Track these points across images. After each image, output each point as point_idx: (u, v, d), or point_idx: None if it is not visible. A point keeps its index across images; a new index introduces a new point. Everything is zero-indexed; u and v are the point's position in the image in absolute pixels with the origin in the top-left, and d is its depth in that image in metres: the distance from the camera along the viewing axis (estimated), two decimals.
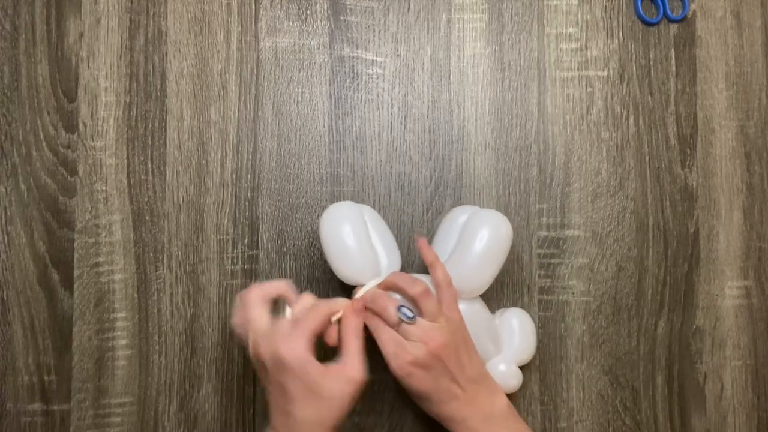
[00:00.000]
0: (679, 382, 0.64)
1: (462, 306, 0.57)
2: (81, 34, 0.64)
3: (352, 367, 0.52)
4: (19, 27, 0.64)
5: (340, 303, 0.55)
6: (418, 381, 0.54)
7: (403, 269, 0.60)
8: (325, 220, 0.57)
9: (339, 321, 0.55)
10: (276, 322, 0.54)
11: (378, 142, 0.65)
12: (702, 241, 0.65)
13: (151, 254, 0.63)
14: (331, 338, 0.55)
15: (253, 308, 0.54)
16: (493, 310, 0.62)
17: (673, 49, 0.66)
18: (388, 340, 0.54)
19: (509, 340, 0.60)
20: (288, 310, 0.55)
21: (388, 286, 0.56)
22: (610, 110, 0.65)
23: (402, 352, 0.53)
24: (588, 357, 0.64)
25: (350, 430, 0.63)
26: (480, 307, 0.59)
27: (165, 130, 0.64)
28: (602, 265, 0.64)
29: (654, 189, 0.65)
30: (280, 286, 0.56)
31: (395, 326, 0.54)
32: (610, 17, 0.66)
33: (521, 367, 0.61)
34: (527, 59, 0.66)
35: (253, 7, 0.65)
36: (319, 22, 0.65)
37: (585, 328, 0.64)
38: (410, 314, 0.54)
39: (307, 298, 0.56)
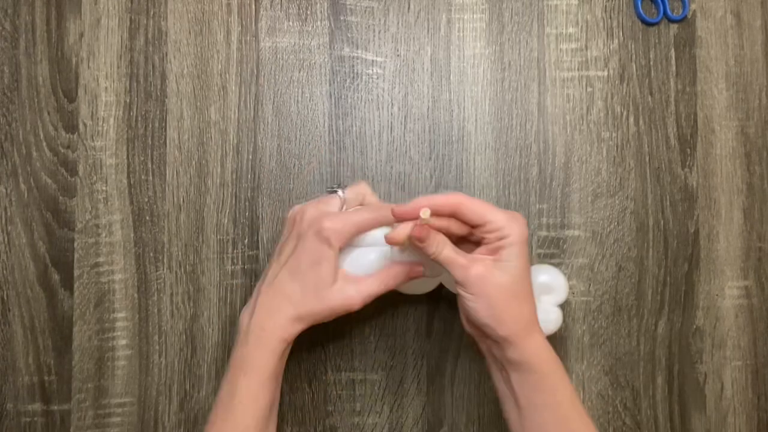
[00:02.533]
0: (679, 382, 0.64)
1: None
2: (81, 34, 0.64)
3: (357, 291, 0.53)
4: (19, 27, 0.64)
5: (388, 214, 0.54)
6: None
7: None
8: None
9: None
10: (331, 196, 0.55)
11: (378, 142, 0.65)
12: (702, 241, 0.65)
13: (151, 254, 0.63)
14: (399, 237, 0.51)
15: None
16: None
17: (673, 49, 0.66)
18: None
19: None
20: (341, 190, 0.56)
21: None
22: (610, 110, 0.65)
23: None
24: (588, 357, 0.64)
25: (350, 430, 0.63)
26: None
27: (165, 130, 0.64)
28: (602, 265, 0.65)
29: (654, 189, 0.65)
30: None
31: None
32: (610, 17, 0.66)
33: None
34: (527, 59, 0.66)
35: (253, 7, 0.65)
36: (319, 22, 0.65)
37: (585, 328, 0.64)
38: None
39: (363, 186, 0.56)
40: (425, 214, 0.48)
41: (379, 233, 0.54)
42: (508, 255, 0.49)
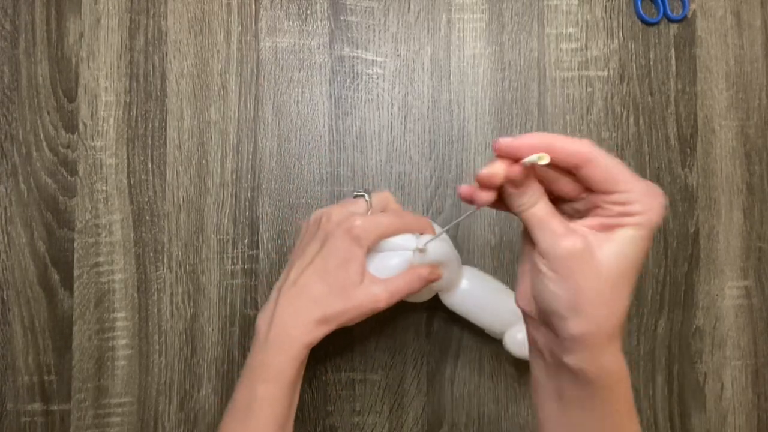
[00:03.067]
0: (679, 382, 0.64)
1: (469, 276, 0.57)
2: (81, 34, 0.64)
3: (384, 289, 0.51)
4: (19, 27, 0.64)
5: (416, 222, 0.54)
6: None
7: None
8: None
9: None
10: (357, 199, 0.55)
11: (378, 142, 0.65)
12: (702, 241, 0.65)
13: (151, 254, 0.63)
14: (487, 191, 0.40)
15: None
16: None
17: (673, 49, 0.66)
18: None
19: None
20: (368, 195, 0.55)
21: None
22: (610, 110, 0.65)
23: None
24: None
25: (350, 430, 0.63)
26: (488, 277, 0.59)
27: (165, 130, 0.64)
28: None
29: None
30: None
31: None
32: (610, 17, 0.66)
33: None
34: (527, 59, 0.66)
35: (253, 7, 0.65)
36: (319, 22, 0.65)
37: None
38: None
39: (387, 194, 0.56)
40: (543, 159, 0.38)
41: (399, 239, 0.54)
42: (630, 238, 0.38)
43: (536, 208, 0.39)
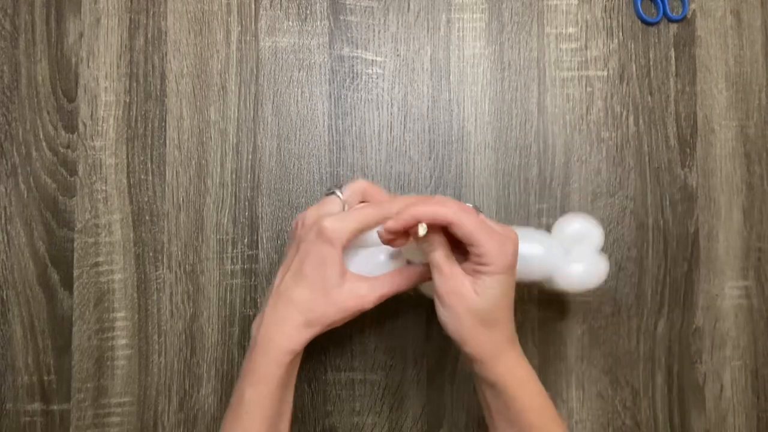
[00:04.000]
0: (679, 382, 0.64)
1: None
2: (81, 34, 0.64)
3: (370, 288, 0.52)
4: (19, 27, 0.64)
5: (394, 208, 0.53)
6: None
7: None
8: None
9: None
10: (330, 197, 0.54)
11: (378, 142, 0.65)
12: (702, 241, 0.65)
13: (150, 254, 0.63)
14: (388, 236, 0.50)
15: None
16: None
17: (673, 49, 0.66)
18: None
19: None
20: (339, 190, 0.54)
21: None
22: (610, 110, 0.65)
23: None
24: (588, 357, 0.64)
25: (350, 430, 0.63)
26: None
27: (165, 130, 0.64)
28: None
29: (654, 189, 0.65)
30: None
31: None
32: (610, 17, 0.66)
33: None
34: (527, 59, 0.66)
35: (253, 7, 0.65)
36: (319, 22, 0.65)
37: (585, 328, 0.64)
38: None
39: (360, 183, 0.55)
40: (422, 230, 0.48)
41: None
42: (488, 283, 0.48)
43: (435, 254, 0.49)
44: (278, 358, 0.51)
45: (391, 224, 0.48)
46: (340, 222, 0.51)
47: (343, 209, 0.54)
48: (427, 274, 0.52)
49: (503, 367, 0.50)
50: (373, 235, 0.52)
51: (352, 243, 0.52)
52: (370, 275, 0.53)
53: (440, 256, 0.49)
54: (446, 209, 0.48)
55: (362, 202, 0.56)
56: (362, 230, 0.52)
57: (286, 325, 0.51)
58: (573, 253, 0.57)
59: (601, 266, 0.57)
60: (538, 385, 0.52)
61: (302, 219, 0.53)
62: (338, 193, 0.54)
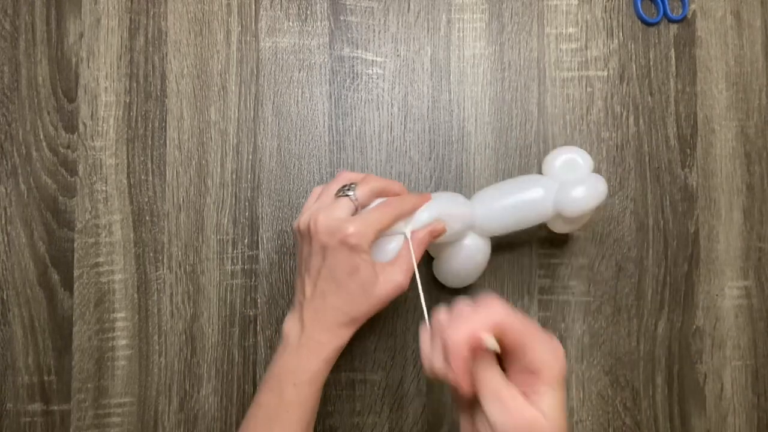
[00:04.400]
0: (679, 382, 0.64)
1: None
2: (81, 34, 0.64)
3: (401, 271, 0.52)
4: (19, 27, 0.64)
5: (409, 203, 0.54)
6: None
7: None
8: None
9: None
10: (341, 200, 0.53)
11: (378, 142, 0.65)
12: (702, 241, 0.65)
13: (151, 254, 0.63)
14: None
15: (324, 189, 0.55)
16: None
17: (673, 49, 0.66)
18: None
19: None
20: (353, 192, 0.53)
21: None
22: (610, 110, 0.65)
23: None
24: (588, 357, 0.64)
25: (350, 430, 0.63)
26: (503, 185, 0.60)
27: (165, 130, 0.64)
28: (602, 265, 0.64)
29: (654, 189, 0.65)
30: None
31: None
32: (610, 17, 0.66)
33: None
34: (527, 59, 0.66)
35: (253, 7, 0.65)
36: (319, 22, 0.65)
37: (585, 328, 0.64)
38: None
39: (371, 179, 0.54)
40: (492, 343, 0.40)
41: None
42: (550, 401, 0.40)
43: (486, 375, 0.41)
44: (327, 356, 0.52)
45: (452, 370, 0.41)
46: (363, 227, 0.51)
47: (357, 211, 0.53)
48: (435, 230, 0.54)
49: None
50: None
51: None
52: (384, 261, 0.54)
53: (496, 378, 0.41)
54: (495, 311, 0.41)
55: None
56: (384, 230, 0.52)
57: (332, 326, 0.52)
58: (570, 181, 0.57)
59: (599, 182, 0.57)
60: None
61: (312, 223, 0.52)
62: (351, 195, 0.53)
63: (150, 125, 0.64)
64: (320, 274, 0.52)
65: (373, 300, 0.52)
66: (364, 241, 0.51)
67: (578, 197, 0.56)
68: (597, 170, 0.65)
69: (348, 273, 0.51)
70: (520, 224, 0.58)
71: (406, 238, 0.54)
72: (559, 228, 0.60)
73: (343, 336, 0.52)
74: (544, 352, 0.41)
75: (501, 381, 0.41)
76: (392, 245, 0.54)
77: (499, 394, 0.40)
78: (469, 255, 0.59)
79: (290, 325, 0.53)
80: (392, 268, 0.53)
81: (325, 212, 0.52)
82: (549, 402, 0.40)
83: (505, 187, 0.59)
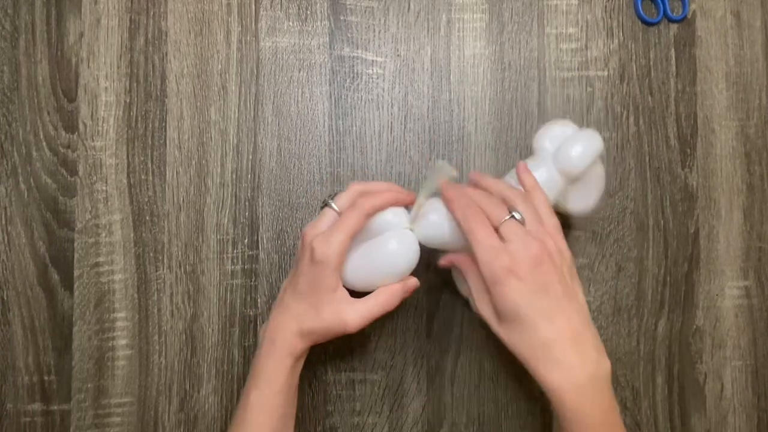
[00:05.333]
0: (679, 382, 0.64)
1: None
2: (81, 34, 0.64)
3: (356, 314, 0.53)
4: (19, 27, 0.64)
5: (383, 198, 0.55)
6: (511, 291, 0.49)
7: None
8: None
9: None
10: (324, 211, 0.55)
11: (378, 142, 0.65)
12: (702, 241, 0.65)
13: (151, 254, 0.63)
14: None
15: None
16: None
17: (673, 49, 0.66)
18: (484, 238, 0.50)
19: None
20: (333, 203, 0.55)
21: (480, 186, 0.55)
22: (610, 110, 0.65)
23: (499, 253, 0.50)
24: None
25: (350, 430, 0.63)
26: None
27: (165, 130, 0.64)
28: (602, 265, 0.64)
29: (654, 189, 0.65)
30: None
31: (498, 223, 0.51)
32: (610, 17, 0.66)
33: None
34: (527, 59, 0.66)
35: (253, 7, 0.65)
36: (319, 22, 0.65)
37: None
38: (520, 216, 0.51)
39: (354, 188, 0.55)
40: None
41: (389, 215, 0.55)
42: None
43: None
44: (280, 360, 0.53)
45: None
46: (325, 243, 0.52)
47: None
48: (408, 286, 0.55)
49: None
50: (374, 225, 0.55)
51: (357, 235, 0.54)
52: (367, 273, 0.54)
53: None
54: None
55: None
56: (351, 237, 0.53)
57: (286, 331, 0.54)
58: (564, 143, 0.57)
59: (594, 135, 0.57)
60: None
61: (303, 236, 0.55)
62: (332, 204, 0.55)
63: (150, 125, 0.64)
64: (291, 282, 0.55)
65: (319, 321, 0.53)
66: (327, 257, 0.52)
67: (576, 152, 0.56)
68: None
69: (309, 286, 0.53)
70: None
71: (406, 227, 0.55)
72: (575, 203, 0.59)
73: (293, 344, 0.53)
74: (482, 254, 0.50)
75: (480, 228, 0.51)
76: (392, 244, 0.54)
77: (476, 235, 0.50)
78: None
79: (261, 328, 0.56)
80: (350, 307, 0.53)
81: (311, 224, 0.55)
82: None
83: (511, 182, 0.58)
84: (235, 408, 0.55)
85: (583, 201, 0.59)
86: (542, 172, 0.56)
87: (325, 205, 0.56)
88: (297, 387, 0.56)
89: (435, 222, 0.55)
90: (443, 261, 0.56)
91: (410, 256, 0.54)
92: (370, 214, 0.54)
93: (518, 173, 0.55)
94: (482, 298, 0.52)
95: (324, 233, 0.53)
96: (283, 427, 0.54)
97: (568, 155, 0.56)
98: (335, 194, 0.56)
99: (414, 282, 0.55)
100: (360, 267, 0.55)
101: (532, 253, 0.49)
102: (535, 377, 0.50)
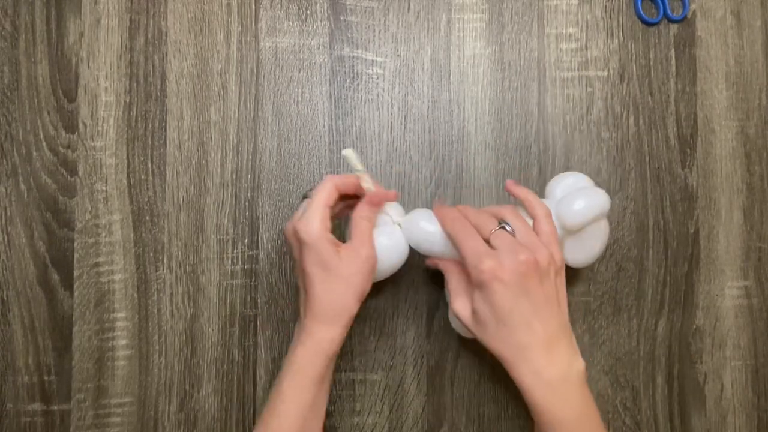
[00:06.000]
0: (679, 382, 0.64)
1: None
2: (81, 34, 0.64)
3: (362, 245, 0.54)
4: (19, 27, 0.64)
5: (339, 177, 0.56)
6: (494, 294, 0.51)
7: None
8: None
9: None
10: (302, 203, 0.56)
11: (378, 142, 0.65)
12: (702, 241, 0.65)
13: (151, 254, 0.63)
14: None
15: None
16: None
17: (673, 49, 0.66)
18: (472, 245, 0.52)
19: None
20: (310, 193, 0.56)
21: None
22: (610, 110, 0.65)
23: (486, 257, 0.51)
24: (588, 357, 0.64)
25: (350, 430, 0.63)
26: None
27: (165, 130, 0.64)
28: (602, 265, 0.64)
29: (654, 189, 0.65)
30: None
31: (487, 234, 0.53)
32: (610, 17, 0.66)
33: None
34: (527, 59, 0.66)
35: (253, 7, 0.65)
36: (319, 22, 0.65)
37: (585, 328, 0.64)
38: (510, 227, 0.53)
39: (328, 181, 0.56)
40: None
41: (390, 210, 0.57)
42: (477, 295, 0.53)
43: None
44: (321, 349, 0.53)
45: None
46: (304, 221, 0.53)
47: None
48: (377, 197, 0.56)
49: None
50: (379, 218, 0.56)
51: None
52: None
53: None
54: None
55: (342, 196, 0.57)
56: (326, 206, 0.54)
57: (323, 317, 0.53)
58: (570, 194, 0.57)
59: (601, 194, 0.57)
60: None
61: (285, 230, 0.56)
62: (309, 195, 0.56)
63: (150, 125, 0.64)
64: (299, 273, 0.55)
65: (352, 280, 0.53)
66: (312, 232, 0.52)
67: (579, 206, 0.56)
68: (597, 170, 0.65)
69: (314, 264, 0.53)
70: None
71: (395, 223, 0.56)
72: (571, 255, 0.59)
73: (340, 323, 0.53)
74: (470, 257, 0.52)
75: (468, 235, 0.53)
76: (381, 239, 0.55)
77: (464, 241, 0.53)
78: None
79: (298, 323, 0.56)
80: (350, 246, 0.54)
81: (291, 219, 0.55)
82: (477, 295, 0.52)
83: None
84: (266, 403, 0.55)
85: (580, 255, 0.59)
86: None
87: (304, 197, 0.56)
88: (330, 384, 0.56)
89: (426, 230, 0.56)
90: (429, 261, 0.58)
91: (399, 251, 0.56)
92: (340, 188, 0.55)
93: (508, 189, 0.57)
94: (459, 299, 0.54)
95: (301, 216, 0.54)
96: (312, 419, 0.54)
97: (570, 207, 0.56)
98: (312, 187, 0.57)
99: (395, 193, 0.57)
100: None
101: (519, 259, 0.51)
102: (510, 376, 0.52)
